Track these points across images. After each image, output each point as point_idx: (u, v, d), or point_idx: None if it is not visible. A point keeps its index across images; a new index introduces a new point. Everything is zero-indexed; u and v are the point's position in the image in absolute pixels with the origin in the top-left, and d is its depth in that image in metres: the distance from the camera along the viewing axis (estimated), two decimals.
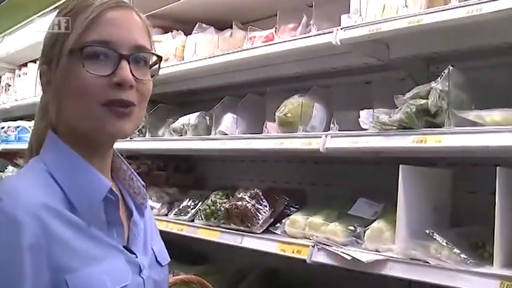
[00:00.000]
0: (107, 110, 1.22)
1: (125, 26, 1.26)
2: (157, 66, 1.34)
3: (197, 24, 3.34)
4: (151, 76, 1.31)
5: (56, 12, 1.32)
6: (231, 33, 3.22)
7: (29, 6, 4.39)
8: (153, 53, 1.33)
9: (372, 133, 2.16)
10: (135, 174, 1.45)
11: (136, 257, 1.31)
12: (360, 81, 2.74)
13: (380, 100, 2.29)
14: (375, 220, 2.26)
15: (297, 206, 2.71)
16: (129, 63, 1.23)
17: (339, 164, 2.87)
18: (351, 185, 2.66)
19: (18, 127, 5.32)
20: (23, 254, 1.07)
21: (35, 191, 1.17)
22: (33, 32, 4.67)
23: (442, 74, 2.03)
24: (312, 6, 2.67)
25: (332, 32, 2.32)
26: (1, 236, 1.09)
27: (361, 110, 2.33)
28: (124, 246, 1.29)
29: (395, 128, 2.09)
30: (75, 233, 1.17)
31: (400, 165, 2.07)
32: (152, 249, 1.41)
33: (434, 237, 1.97)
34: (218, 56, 2.95)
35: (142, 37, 1.29)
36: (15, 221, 1.09)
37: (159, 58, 1.35)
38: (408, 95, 2.09)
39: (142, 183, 1.45)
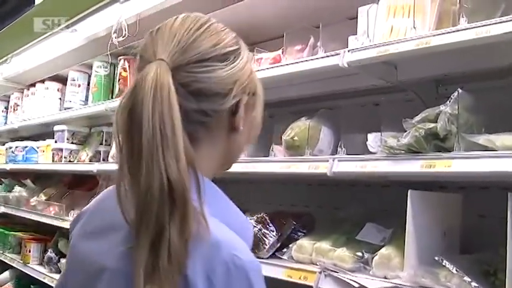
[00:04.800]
0: None
1: None
2: None
3: None
4: None
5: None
6: None
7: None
8: None
9: (379, 157, 2.12)
10: None
11: None
12: (367, 103, 2.71)
13: (388, 122, 2.25)
14: (383, 246, 2.21)
15: (304, 231, 2.66)
16: None
17: (347, 187, 2.83)
18: (359, 208, 2.61)
19: (26, 147, 5.32)
20: None
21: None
22: (41, 52, 4.69)
23: (452, 96, 1.99)
24: (319, 27, 2.65)
25: (339, 54, 2.29)
26: None
27: (369, 132, 2.30)
28: None
29: (403, 152, 2.05)
30: None
31: (409, 191, 2.02)
32: None
33: (444, 264, 1.93)
34: None
35: None
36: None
37: None
38: (417, 118, 2.05)
39: None
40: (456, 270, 1.87)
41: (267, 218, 2.65)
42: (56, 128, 4.80)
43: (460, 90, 1.98)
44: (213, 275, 1.00)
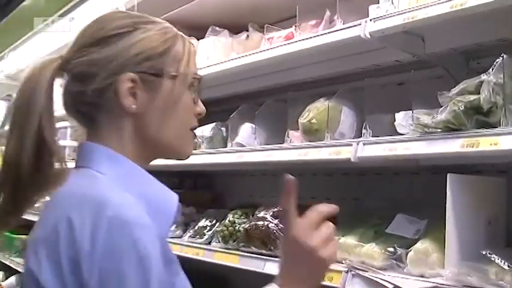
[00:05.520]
0: (192, 135, 1.34)
1: None
2: None
3: (210, 28, 3.06)
4: None
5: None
6: (247, 35, 2.93)
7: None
8: None
9: (411, 138, 1.85)
10: None
11: None
12: (391, 82, 2.43)
13: (416, 101, 1.98)
14: (418, 239, 1.94)
15: None
16: None
17: (372, 176, 2.56)
18: (387, 198, 2.35)
19: None
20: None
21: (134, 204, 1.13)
22: (41, 45, 4.46)
23: (495, 63, 1.71)
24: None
25: (360, 24, 2.03)
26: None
27: (396, 112, 2.04)
28: None
29: (439, 130, 1.78)
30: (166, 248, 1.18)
31: (448, 175, 1.75)
32: None
33: (492, 258, 1.66)
34: (233, 59, 2.66)
35: None
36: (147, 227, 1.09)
37: None
38: (454, 90, 1.77)
39: None
40: (508, 266, 1.60)
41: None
42: (57, 125, 4.53)
43: (504, 56, 1.70)
44: (96, 230, 1.03)
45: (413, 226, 2.03)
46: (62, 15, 3.71)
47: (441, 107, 1.80)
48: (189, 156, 1.35)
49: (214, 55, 2.90)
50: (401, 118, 2.01)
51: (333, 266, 2.02)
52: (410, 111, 1.94)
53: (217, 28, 3.05)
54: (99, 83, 1.21)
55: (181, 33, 1.32)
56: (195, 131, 1.36)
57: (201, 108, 1.34)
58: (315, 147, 2.18)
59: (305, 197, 2.82)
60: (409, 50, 2.18)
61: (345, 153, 2.04)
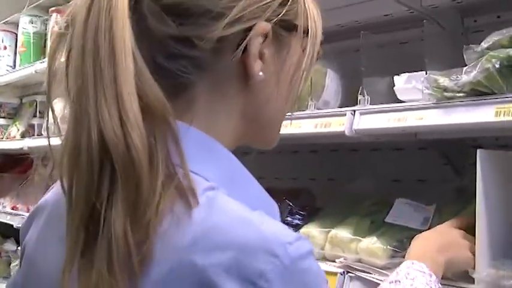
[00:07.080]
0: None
1: None
2: None
3: None
4: None
5: None
6: None
7: None
8: None
9: (427, 105, 1.47)
10: None
11: None
12: (389, 40, 2.07)
13: (416, 62, 1.63)
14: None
15: (303, 213, 2.00)
16: None
17: (362, 152, 2.21)
18: (380, 179, 1.99)
19: None
20: None
21: None
22: None
23: None
24: None
25: None
26: None
27: (395, 75, 1.70)
28: None
29: (462, 95, 1.41)
30: None
31: (478, 150, 1.38)
32: None
33: None
34: None
35: None
36: None
37: None
38: (484, 45, 1.41)
39: None
40: None
41: None
42: None
43: None
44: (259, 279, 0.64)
45: (419, 214, 1.66)
46: None
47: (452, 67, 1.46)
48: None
49: None
50: (403, 82, 1.65)
51: (323, 266, 1.68)
52: (417, 73, 1.59)
53: None
54: (224, 28, 0.76)
55: None
56: None
57: None
58: (297, 119, 1.79)
59: (284, 178, 2.47)
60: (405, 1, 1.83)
61: (335, 125, 1.66)
